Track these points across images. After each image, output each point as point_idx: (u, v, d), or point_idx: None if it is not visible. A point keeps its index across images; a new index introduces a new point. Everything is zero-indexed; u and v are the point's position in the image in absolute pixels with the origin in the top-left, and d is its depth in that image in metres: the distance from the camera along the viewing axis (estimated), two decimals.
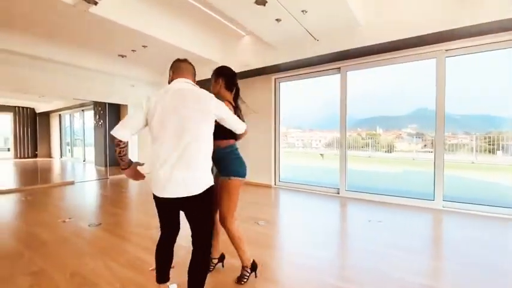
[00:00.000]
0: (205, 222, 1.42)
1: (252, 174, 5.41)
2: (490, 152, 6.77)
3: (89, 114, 10.30)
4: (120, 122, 1.38)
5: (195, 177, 1.32)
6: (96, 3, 3.01)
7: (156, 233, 1.85)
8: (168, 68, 1.60)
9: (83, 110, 10.57)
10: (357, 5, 3.35)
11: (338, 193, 4.41)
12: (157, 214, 1.47)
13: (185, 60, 1.56)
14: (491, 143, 6.92)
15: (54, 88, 5.64)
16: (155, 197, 1.40)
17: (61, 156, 12.30)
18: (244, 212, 3.44)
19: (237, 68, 4.91)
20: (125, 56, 4.96)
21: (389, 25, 3.42)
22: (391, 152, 8.51)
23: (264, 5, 3.05)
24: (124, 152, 1.42)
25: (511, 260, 2.14)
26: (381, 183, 6.20)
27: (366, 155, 5.83)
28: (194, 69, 1.59)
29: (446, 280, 1.86)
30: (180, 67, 1.52)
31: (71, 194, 4.75)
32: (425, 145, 7.92)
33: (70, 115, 11.73)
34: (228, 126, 1.58)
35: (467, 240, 2.53)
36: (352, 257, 2.23)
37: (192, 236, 1.42)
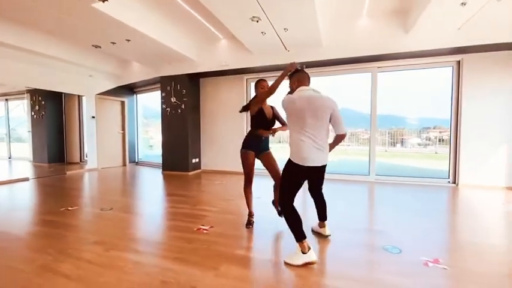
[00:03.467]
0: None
1: (226, 164, 6.03)
2: (392, 144, 9.00)
3: (15, 105, 8.91)
4: None
5: None
6: (104, 1, 3.17)
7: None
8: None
9: (6, 100, 9.05)
10: (322, 27, 4.36)
11: None
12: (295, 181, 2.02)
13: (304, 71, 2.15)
14: (392, 137, 9.23)
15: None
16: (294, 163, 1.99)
17: None
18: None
19: (214, 67, 5.46)
20: (100, 47, 4.87)
21: (342, 46, 4.57)
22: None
23: (257, 21, 3.76)
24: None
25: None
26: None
27: None
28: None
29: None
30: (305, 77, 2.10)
31: (37, 190, 4.49)
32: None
33: None
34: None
35: (397, 197, 3.86)
36: None
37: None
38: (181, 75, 5.81)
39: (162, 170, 6.17)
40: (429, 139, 8.73)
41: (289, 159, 1.99)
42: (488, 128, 4.32)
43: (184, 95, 5.84)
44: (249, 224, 2.62)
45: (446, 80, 4.70)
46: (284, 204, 1.97)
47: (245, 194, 2.71)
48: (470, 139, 4.41)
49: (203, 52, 5.52)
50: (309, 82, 2.11)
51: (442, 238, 2.40)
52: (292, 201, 1.98)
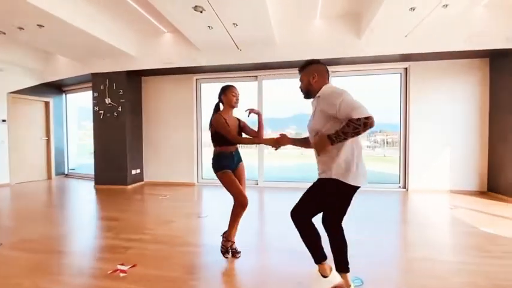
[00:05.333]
0: None
1: (173, 175, 5.35)
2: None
3: None
4: (361, 104, 1.35)
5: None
6: None
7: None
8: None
9: None
10: (275, 26, 4.04)
11: (257, 184, 5.09)
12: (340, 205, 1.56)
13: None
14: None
15: None
16: (351, 187, 1.46)
17: None
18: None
19: (157, 64, 4.79)
20: (4, 33, 3.84)
21: (297, 48, 4.31)
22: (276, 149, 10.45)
23: (201, 12, 3.26)
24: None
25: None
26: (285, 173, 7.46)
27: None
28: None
29: None
30: (326, 71, 1.61)
31: None
32: None
33: None
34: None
35: None
36: None
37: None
38: (118, 72, 4.98)
39: (95, 184, 5.21)
40: (377, 142, 9.23)
41: (335, 180, 1.44)
42: (434, 135, 4.45)
43: (121, 96, 5.02)
44: (225, 253, 2.10)
45: (392, 86, 4.78)
46: (300, 217, 1.51)
47: (234, 217, 2.09)
48: (418, 145, 4.51)
49: (144, 47, 4.80)
50: (329, 79, 1.64)
51: (397, 257, 2.17)
52: (311, 217, 1.53)
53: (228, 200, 2.13)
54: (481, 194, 4.25)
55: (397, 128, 4.76)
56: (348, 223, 1.46)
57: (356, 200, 1.59)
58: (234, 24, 3.63)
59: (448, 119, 4.40)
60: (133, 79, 5.23)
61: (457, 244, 2.46)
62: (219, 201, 4.16)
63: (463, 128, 4.36)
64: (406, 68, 4.54)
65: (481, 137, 4.31)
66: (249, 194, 4.26)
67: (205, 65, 4.68)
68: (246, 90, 5.23)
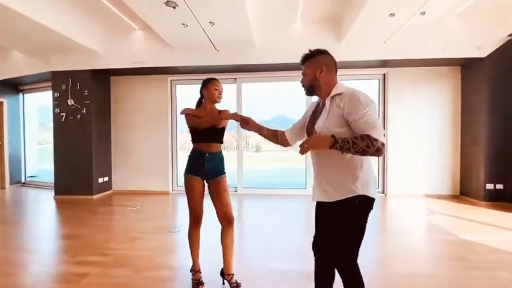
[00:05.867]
0: None
1: (145, 182, 4.97)
2: None
3: None
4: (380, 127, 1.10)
5: None
6: None
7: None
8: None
9: None
10: (254, 27, 3.87)
11: (236, 191, 4.86)
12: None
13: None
14: None
15: None
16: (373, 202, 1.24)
17: None
18: None
19: (126, 63, 4.42)
20: None
21: (277, 51, 4.17)
22: (258, 152, 10.30)
23: (174, 8, 3.00)
24: None
25: None
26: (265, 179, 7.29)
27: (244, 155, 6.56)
28: None
29: None
30: (335, 65, 1.29)
31: None
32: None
33: None
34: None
35: None
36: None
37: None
38: (82, 71, 4.53)
39: (55, 194, 4.68)
40: None
41: (363, 197, 1.20)
42: (411, 140, 4.51)
43: (86, 97, 4.56)
44: (198, 285, 1.77)
45: (369, 92, 4.80)
46: (352, 266, 1.23)
47: (189, 240, 1.83)
48: (396, 151, 4.54)
49: (112, 44, 4.40)
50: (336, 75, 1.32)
51: (378, 272, 2.07)
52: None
53: (207, 211, 1.87)
54: (454, 198, 4.36)
55: None
56: None
57: None
58: (210, 22, 3.41)
59: (423, 125, 4.48)
60: (101, 79, 4.80)
61: (438, 254, 2.40)
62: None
63: (437, 133, 4.46)
64: (384, 74, 4.57)
65: (454, 141, 4.44)
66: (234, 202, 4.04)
67: (179, 65, 4.40)
68: (225, 92, 5.01)
